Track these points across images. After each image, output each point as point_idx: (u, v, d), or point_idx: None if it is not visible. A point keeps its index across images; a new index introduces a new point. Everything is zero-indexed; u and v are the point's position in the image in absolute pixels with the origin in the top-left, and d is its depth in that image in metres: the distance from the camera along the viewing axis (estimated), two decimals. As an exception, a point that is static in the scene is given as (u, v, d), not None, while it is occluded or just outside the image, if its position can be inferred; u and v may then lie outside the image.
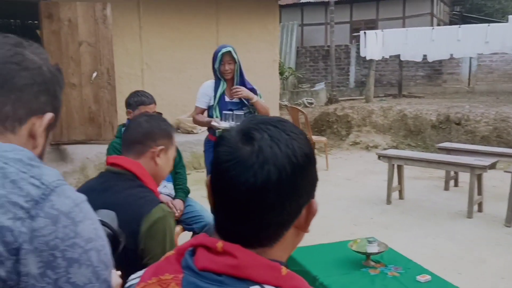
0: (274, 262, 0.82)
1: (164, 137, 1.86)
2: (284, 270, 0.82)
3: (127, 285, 0.94)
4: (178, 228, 3.31)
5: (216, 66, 3.80)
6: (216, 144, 0.86)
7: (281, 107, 10.44)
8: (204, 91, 3.93)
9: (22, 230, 0.67)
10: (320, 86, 13.26)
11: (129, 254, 1.59)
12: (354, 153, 8.69)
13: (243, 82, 3.86)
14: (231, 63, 3.79)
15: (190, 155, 7.16)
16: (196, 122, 4.03)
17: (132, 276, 0.95)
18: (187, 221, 3.31)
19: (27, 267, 0.67)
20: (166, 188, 3.29)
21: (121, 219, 1.27)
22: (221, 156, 0.82)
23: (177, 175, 3.41)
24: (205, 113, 3.99)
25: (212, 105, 3.88)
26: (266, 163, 0.78)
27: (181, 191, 3.36)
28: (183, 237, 3.43)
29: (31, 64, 0.86)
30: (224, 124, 3.71)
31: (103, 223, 1.13)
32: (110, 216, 1.26)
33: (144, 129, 1.82)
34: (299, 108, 8.25)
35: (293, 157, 0.81)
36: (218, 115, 3.88)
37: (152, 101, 3.25)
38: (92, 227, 0.76)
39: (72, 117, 6.66)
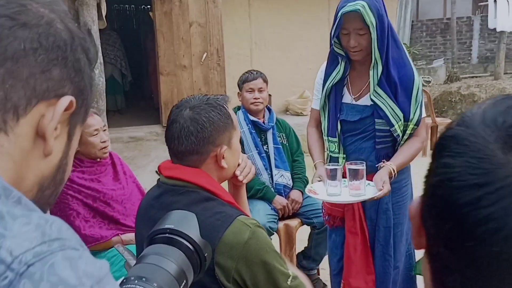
0: None
1: (223, 131, 1.35)
2: None
3: None
4: (296, 221, 2.99)
5: (333, 33, 2.09)
6: (439, 154, 0.49)
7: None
8: (318, 79, 2.32)
9: None
10: (439, 62, 12.20)
11: None
12: (482, 136, 7.81)
13: (387, 66, 2.05)
14: (363, 34, 2.01)
15: (300, 138, 6.84)
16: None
17: None
18: (306, 215, 2.97)
19: None
20: (283, 178, 2.98)
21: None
22: (463, 176, 0.46)
23: (295, 163, 3.09)
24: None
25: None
26: None
27: (300, 181, 3.02)
28: (302, 232, 3.11)
29: (34, 18, 0.55)
30: (334, 190, 2.06)
31: (180, 234, 0.86)
32: (187, 221, 0.91)
33: (194, 135, 1.31)
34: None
35: None
36: (326, 130, 2.24)
37: (256, 76, 3.00)
38: None
39: (183, 100, 6.66)
